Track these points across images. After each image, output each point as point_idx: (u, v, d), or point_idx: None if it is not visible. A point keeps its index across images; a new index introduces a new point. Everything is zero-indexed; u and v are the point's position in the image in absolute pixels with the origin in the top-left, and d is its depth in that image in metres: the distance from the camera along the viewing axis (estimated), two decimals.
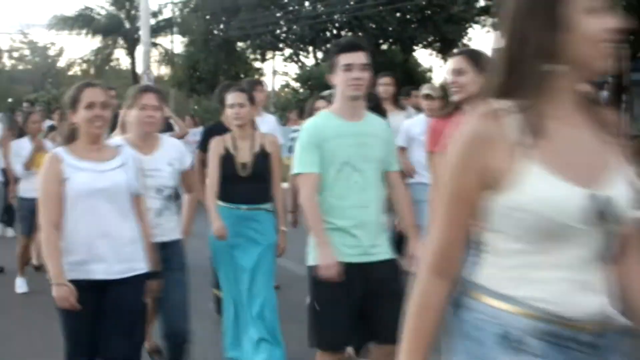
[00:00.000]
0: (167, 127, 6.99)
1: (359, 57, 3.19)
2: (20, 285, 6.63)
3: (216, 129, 4.99)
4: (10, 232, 9.05)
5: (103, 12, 32.09)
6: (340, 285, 3.12)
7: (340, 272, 3.12)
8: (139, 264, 3.19)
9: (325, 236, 3.16)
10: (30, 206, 5.99)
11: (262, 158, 4.32)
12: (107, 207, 3.10)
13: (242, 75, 25.36)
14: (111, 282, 3.10)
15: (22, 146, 6.65)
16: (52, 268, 3.01)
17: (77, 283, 3.02)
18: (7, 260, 7.40)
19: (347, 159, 3.21)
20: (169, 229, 3.71)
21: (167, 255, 3.61)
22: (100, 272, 3.08)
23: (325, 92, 4.76)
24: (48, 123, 9.02)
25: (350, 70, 3.16)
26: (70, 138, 3.21)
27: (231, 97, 4.33)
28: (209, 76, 25.71)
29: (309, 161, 3.22)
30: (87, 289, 3.05)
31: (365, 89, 3.26)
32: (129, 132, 3.75)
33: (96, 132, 3.16)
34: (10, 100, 33.21)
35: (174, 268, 3.68)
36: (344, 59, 3.17)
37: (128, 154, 3.29)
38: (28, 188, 6.35)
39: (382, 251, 3.27)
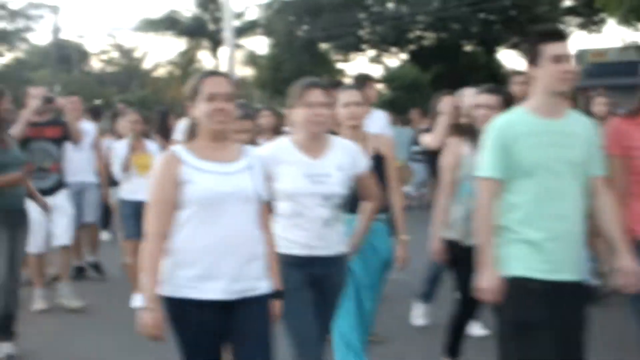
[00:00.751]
0: None
1: (568, 48, 2.87)
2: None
3: None
4: (105, 235, 8.86)
5: (188, 15, 32.65)
6: (539, 303, 2.78)
7: (530, 289, 2.79)
8: (262, 283, 2.76)
9: (492, 254, 2.81)
10: (133, 209, 5.93)
11: (377, 162, 3.85)
12: (230, 215, 2.67)
13: (324, 77, 25.23)
14: (230, 303, 2.68)
15: (120, 147, 6.46)
16: (148, 287, 2.61)
17: (190, 302, 2.65)
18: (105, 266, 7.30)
19: (540, 161, 2.83)
20: (335, 241, 3.25)
21: (330, 271, 3.22)
22: (218, 290, 2.66)
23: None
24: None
25: (560, 62, 2.82)
26: (191, 135, 2.80)
27: (346, 96, 3.88)
28: (292, 77, 25.62)
29: (491, 164, 2.88)
30: (203, 307, 2.65)
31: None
32: (294, 133, 3.31)
33: (218, 128, 2.76)
34: (98, 101, 34.16)
35: (336, 286, 3.29)
36: (552, 49, 2.83)
37: (254, 155, 2.86)
38: (130, 189, 6.19)
39: (575, 270, 2.88)
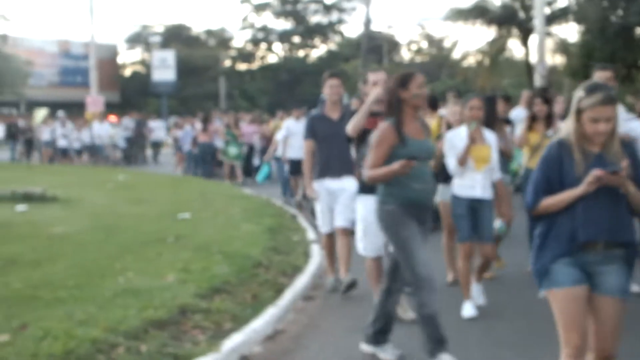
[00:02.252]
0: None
1: None
2: (469, 309, 6.54)
3: None
4: None
5: (498, 3, 37.31)
6: None
7: None
8: None
9: None
10: (466, 207, 6.50)
11: None
12: None
13: (639, 63, 28.11)
14: None
15: (454, 137, 6.63)
16: None
17: None
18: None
19: None
20: None
21: None
22: None
23: None
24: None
25: None
26: None
27: None
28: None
29: None
30: None
31: None
32: None
33: None
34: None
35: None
36: None
37: None
38: (464, 185, 6.55)
39: None
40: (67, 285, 6.62)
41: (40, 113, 29.20)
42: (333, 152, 7.34)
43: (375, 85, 6.12)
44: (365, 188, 6.05)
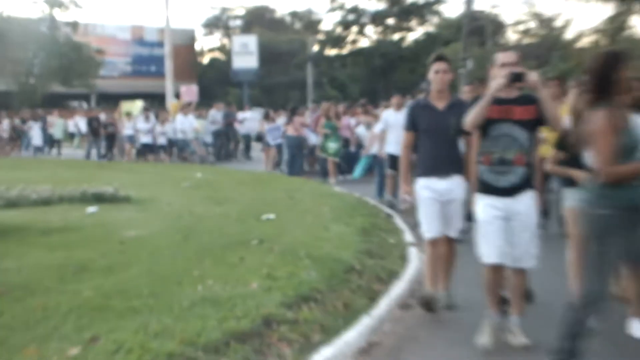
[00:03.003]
0: None
1: None
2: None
3: None
4: None
5: None
6: None
7: None
8: None
9: None
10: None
11: None
12: None
13: None
14: None
15: None
16: None
17: None
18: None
19: None
20: None
21: None
22: None
23: None
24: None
25: None
26: None
27: None
28: None
29: None
30: None
31: None
32: None
33: None
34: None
35: None
36: None
37: None
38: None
39: None
40: (141, 294, 6.68)
41: (136, 105, 29.28)
42: (439, 147, 7.02)
43: (503, 67, 5.91)
44: (485, 187, 6.04)
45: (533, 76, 5.75)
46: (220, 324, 5.80)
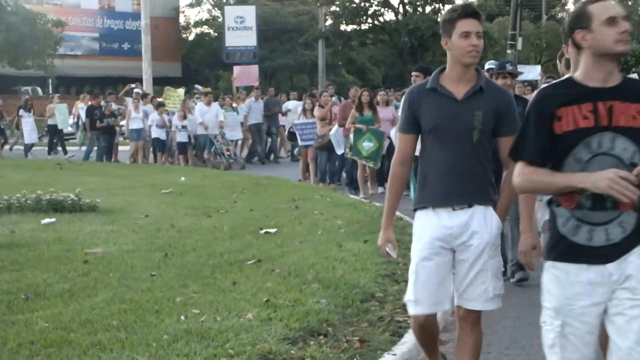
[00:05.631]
0: None
1: None
2: None
3: None
4: None
5: None
6: None
7: None
8: None
9: None
10: None
11: None
12: None
13: None
14: None
15: None
16: None
17: None
18: None
19: None
20: None
21: None
22: None
23: None
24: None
25: None
26: None
27: None
28: None
29: None
30: None
31: None
32: None
33: None
34: None
35: None
36: None
37: None
38: None
39: None
40: (109, 326, 6.69)
41: (178, 93, 27.97)
42: (454, 159, 5.41)
43: (612, 24, 4.10)
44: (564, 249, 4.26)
45: None
46: None
